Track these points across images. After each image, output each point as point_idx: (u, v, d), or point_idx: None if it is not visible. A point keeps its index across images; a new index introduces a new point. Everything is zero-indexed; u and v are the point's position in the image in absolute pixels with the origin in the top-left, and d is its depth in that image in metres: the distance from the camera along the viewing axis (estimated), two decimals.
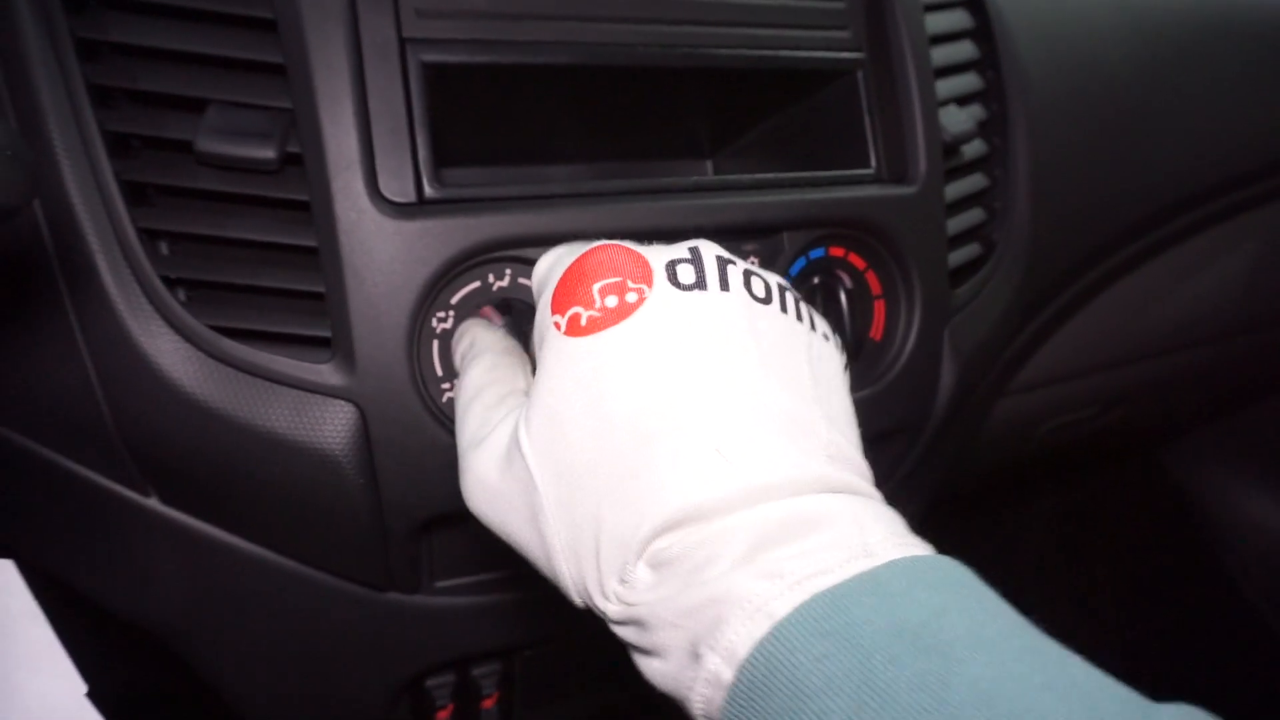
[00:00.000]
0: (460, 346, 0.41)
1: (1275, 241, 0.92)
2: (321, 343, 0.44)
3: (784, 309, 0.33)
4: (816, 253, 0.53)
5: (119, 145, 0.43)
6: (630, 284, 0.31)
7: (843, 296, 0.52)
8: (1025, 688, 0.22)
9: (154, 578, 0.49)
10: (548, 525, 0.30)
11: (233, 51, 0.43)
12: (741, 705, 0.25)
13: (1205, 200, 0.83)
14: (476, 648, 0.55)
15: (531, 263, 0.45)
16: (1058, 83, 0.69)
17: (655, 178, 0.49)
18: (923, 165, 0.54)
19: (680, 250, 0.32)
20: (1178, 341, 0.91)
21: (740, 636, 0.25)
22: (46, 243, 0.42)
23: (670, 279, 0.31)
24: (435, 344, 0.44)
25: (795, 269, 0.52)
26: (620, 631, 0.30)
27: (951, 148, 0.57)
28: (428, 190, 0.43)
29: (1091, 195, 0.72)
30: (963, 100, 0.61)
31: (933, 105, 0.55)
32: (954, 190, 0.58)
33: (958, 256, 0.59)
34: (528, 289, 0.46)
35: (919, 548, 0.27)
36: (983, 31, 0.63)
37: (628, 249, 0.32)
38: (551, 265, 0.34)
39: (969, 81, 0.62)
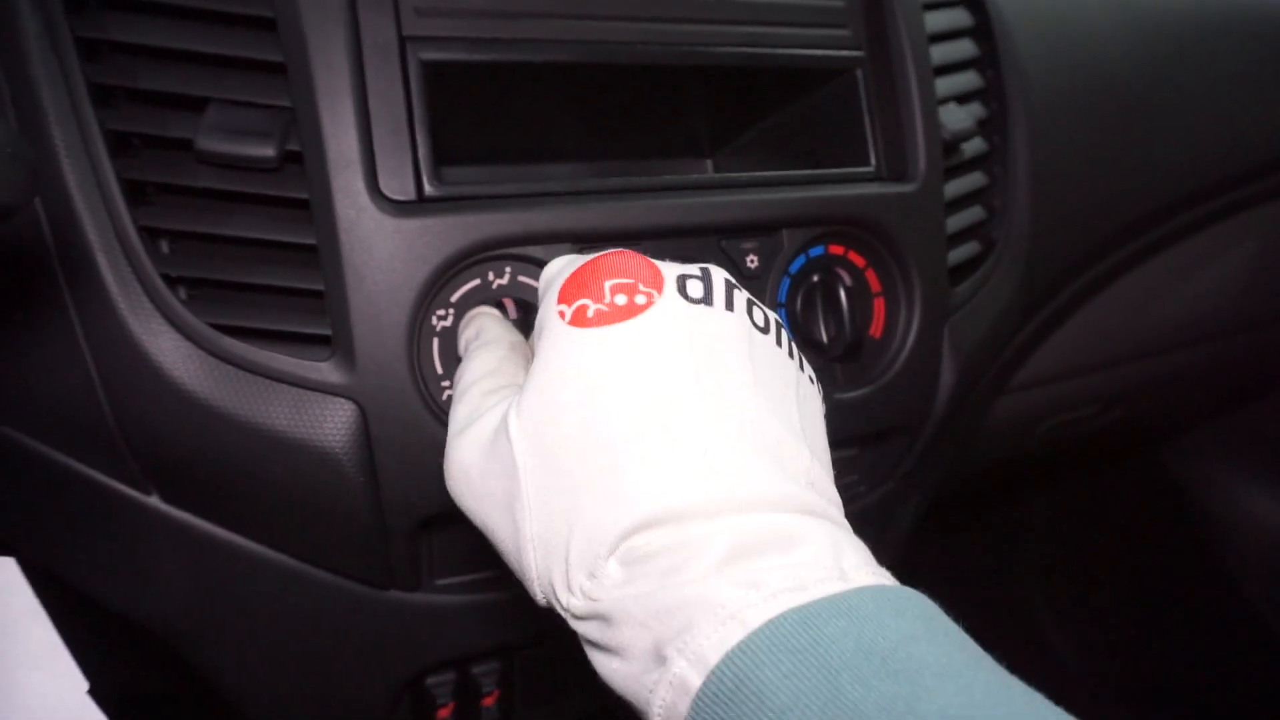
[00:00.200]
0: (466, 334, 0.41)
1: (1275, 239, 0.92)
2: (321, 340, 0.44)
3: (779, 343, 0.34)
4: (816, 250, 0.53)
5: (119, 144, 0.43)
6: (642, 287, 0.31)
7: (842, 294, 0.52)
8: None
9: (155, 576, 0.49)
10: (523, 513, 0.30)
11: (233, 50, 0.43)
12: (705, 715, 0.24)
13: (1205, 198, 0.83)
14: (477, 646, 0.55)
15: (531, 260, 0.46)
16: (1058, 81, 0.69)
17: (655, 176, 0.50)
18: (922, 163, 0.54)
19: (692, 268, 0.33)
20: (1178, 340, 0.91)
21: (711, 642, 0.25)
22: (47, 241, 0.42)
23: (679, 290, 0.32)
24: (435, 342, 0.44)
25: (795, 266, 0.52)
26: (582, 628, 0.29)
27: (951, 146, 0.57)
28: (427, 188, 0.43)
29: (1091, 193, 0.72)
30: (962, 98, 0.61)
31: (932, 103, 0.55)
32: (953, 188, 0.58)
33: (957, 254, 0.59)
34: (527, 287, 0.46)
35: (889, 579, 0.28)
36: (982, 30, 0.63)
37: (643, 257, 0.33)
38: (563, 267, 0.35)
39: (968, 80, 0.62)
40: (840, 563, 0.27)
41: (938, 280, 0.56)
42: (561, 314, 0.32)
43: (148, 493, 0.47)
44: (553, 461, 0.30)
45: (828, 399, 0.53)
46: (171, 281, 0.43)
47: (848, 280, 0.53)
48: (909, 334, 0.55)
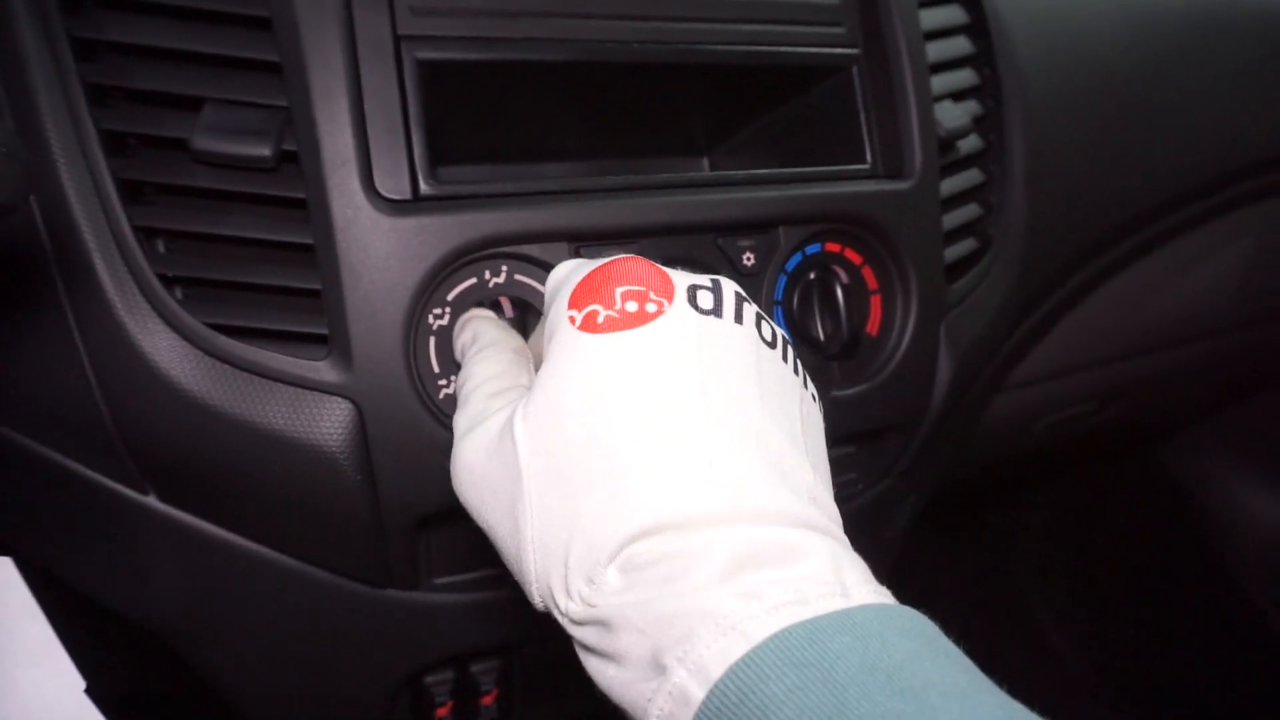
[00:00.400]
0: (462, 338, 0.41)
1: (1272, 236, 0.92)
2: (318, 340, 0.44)
3: (785, 359, 0.34)
4: (813, 248, 0.53)
5: (116, 144, 0.43)
6: (653, 295, 0.32)
7: (839, 291, 0.52)
8: None
9: (152, 576, 0.49)
10: (524, 515, 0.30)
11: (229, 50, 0.43)
12: None
13: (1202, 195, 0.83)
14: (475, 644, 0.55)
15: (528, 259, 0.46)
16: (1054, 78, 0.69)
17: (651, 174, 0.50)
18: (918, 160, 0.54)
19: (702, 278, 0.33)
20: (1175, 336, 0.91)
21: (712, 653, 0.25)
22: (44, 241, 0.42)
23: (690, 300, 0.32)
24: (432, 340, 0.44)
25: (791, 264, 0.52)
26: (579, 633, 0.29)
27: (947, 143, 0.57)
28: (423, 187, 0.43)
29: (1088, 190, 0.72)
30: (958, 96, 0.61)
31: (928, 101, 0.55)
32: (949, 185, 0.58)
33: (954, 252, 0.59)
34: (524, 285, 0.46)
35: (889, 597, 0.28)
36: (978, 27, 0.63)
37: (654, 264, 0.33)
38: (570, 271, 0.35)
39: (964, 77, 0.62)
40: (842, 579, 0.27)
41: (934, 277, 0.56)
42: (572, 319, 0.32)
43: (145, 492, 0.47)
44: (556, 465, 0.30)
45: (824, 396, 0.53)
46: (168, 281, 0.43)
47: (844, 278, 0.53)
48: (905, 331, 0.55)
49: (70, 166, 0.41)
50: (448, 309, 0.45)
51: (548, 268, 0.46)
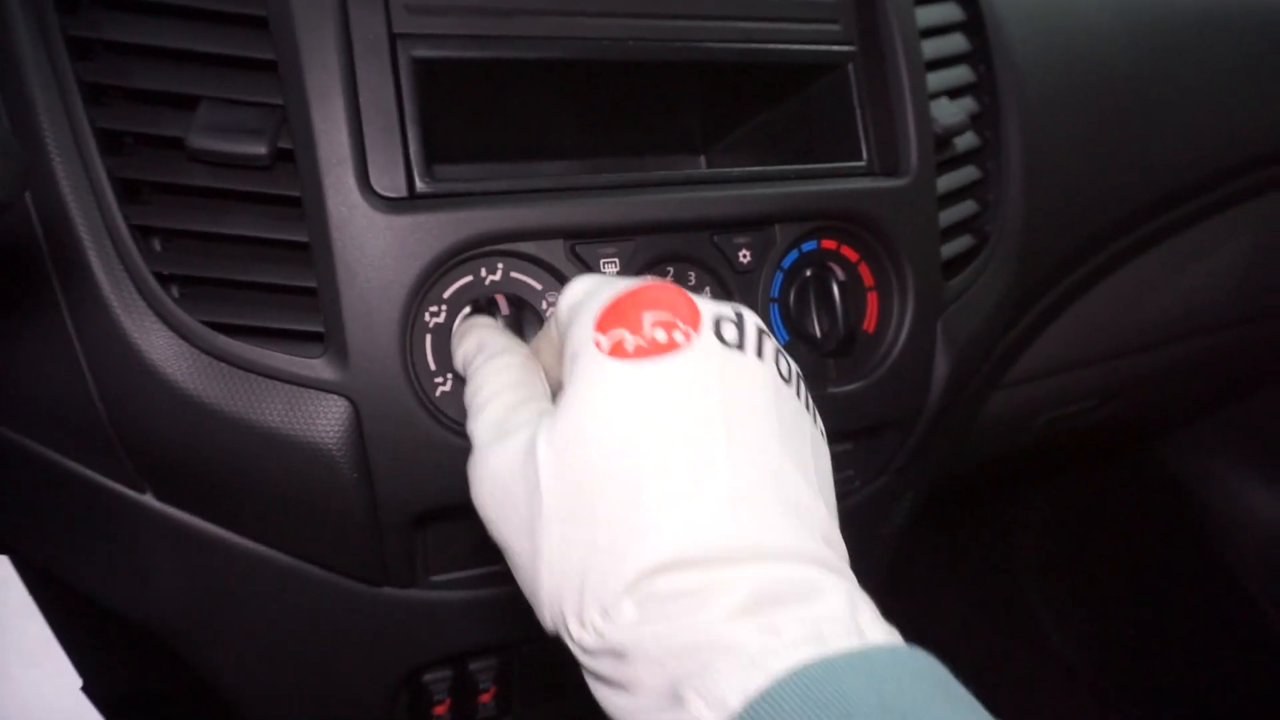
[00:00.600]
0: (465, 346, 0.41)
1: (1270, 233, 0.92)
2: (314, 338, 0.44)
3: (798, 394, 0.34)
4: (809, 245, 0.53)
5: (111, 142, 0.43)
6: (680, 324, 0.31)
7: (835, 289, 0.52)
8: None
9: (150, 574, 0.49)
10: (543, 536, 0.30)
11: (225, 49, 0.43)
12: None
13: (1200, 192, 0.83)
14: (473, 642, 0.55)
15: (524, 256, 0.46)
16: (1051, 75, 0.69)
17: (648, 172, 0.50)
18: (914, 158, 0.54)
19: (726, 309, 0.33)
20: (1174, 333, 0.91)
21: (732, 686, 0.25)
22: (40, 240, 0.43)
23: (715, 331, 0.32)
24: (428, 338, 0.45)
25: (788, 261, 0.52)
26: (591, 663, 0.29)
27: (943, 140, 0.57)
28: (419, 185, 0.43)
29: (1086, 187, 0.72)
30: (954, 93, 0.61)
31: (924, 98, 0.55)
32: (946, 182, 0.58)
33: (950, 249, 0.59)
34: (520, 283, 0.46)
35: (898, 637, 0.28)
36: (974, 24, 0.63)
37: (682, 291, 0.33)
38: (592, 289, 0.34)
39: (960, 74, 0.62)
40: (857, 618, 0.27)
41: (931, 274, 0.56)
42: (598, 343, 0.31)
43: (142, 491, 0.47)
44: (578, 494, 0.30)
45: (821, 394, 0.53)
46: (164, 279, 0.43)
47: (841, 275, 0.53)
48: (902, 328, 0.55)
49: (66, 165, 0.42)
50: (444, 307, 0.45)
51: (544, 265, 0.46)
